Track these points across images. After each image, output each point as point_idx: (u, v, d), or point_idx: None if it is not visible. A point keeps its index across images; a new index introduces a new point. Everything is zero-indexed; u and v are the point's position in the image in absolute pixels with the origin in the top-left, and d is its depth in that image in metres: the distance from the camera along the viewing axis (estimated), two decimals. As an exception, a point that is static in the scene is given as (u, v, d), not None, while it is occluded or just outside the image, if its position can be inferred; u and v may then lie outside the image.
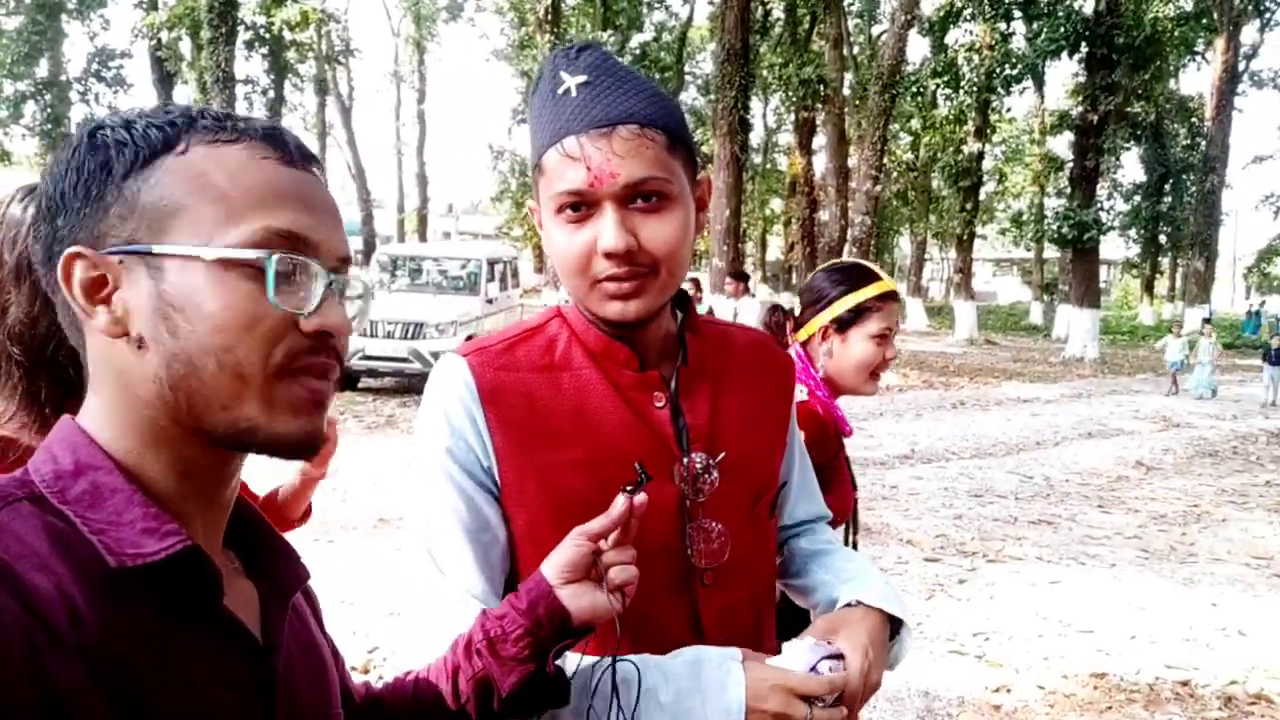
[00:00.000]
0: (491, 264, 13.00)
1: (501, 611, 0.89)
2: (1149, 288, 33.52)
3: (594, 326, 1.05)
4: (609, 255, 0.95)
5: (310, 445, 0.67)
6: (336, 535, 5.51)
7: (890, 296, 1.96)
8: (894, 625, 1.10)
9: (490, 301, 12.66)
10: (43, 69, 30.43)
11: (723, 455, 1.05)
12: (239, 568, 0.73)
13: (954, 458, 8.91)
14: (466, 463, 1.00)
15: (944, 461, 8.70)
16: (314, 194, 0.69)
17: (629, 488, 0.88)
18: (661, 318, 1.06)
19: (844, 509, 1.93)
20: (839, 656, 0.98)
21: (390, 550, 5.28)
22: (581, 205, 0.96)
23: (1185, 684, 3.92)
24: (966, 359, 18.89)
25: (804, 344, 1.99)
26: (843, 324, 1.92)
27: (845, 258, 1.96)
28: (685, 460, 1.02)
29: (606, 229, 0.95)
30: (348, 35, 35.28)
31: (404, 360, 10.87)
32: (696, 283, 11.33)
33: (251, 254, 0.63)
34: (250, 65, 28.78)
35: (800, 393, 1.84)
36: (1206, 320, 17.46)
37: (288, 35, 24.90)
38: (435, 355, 10.82)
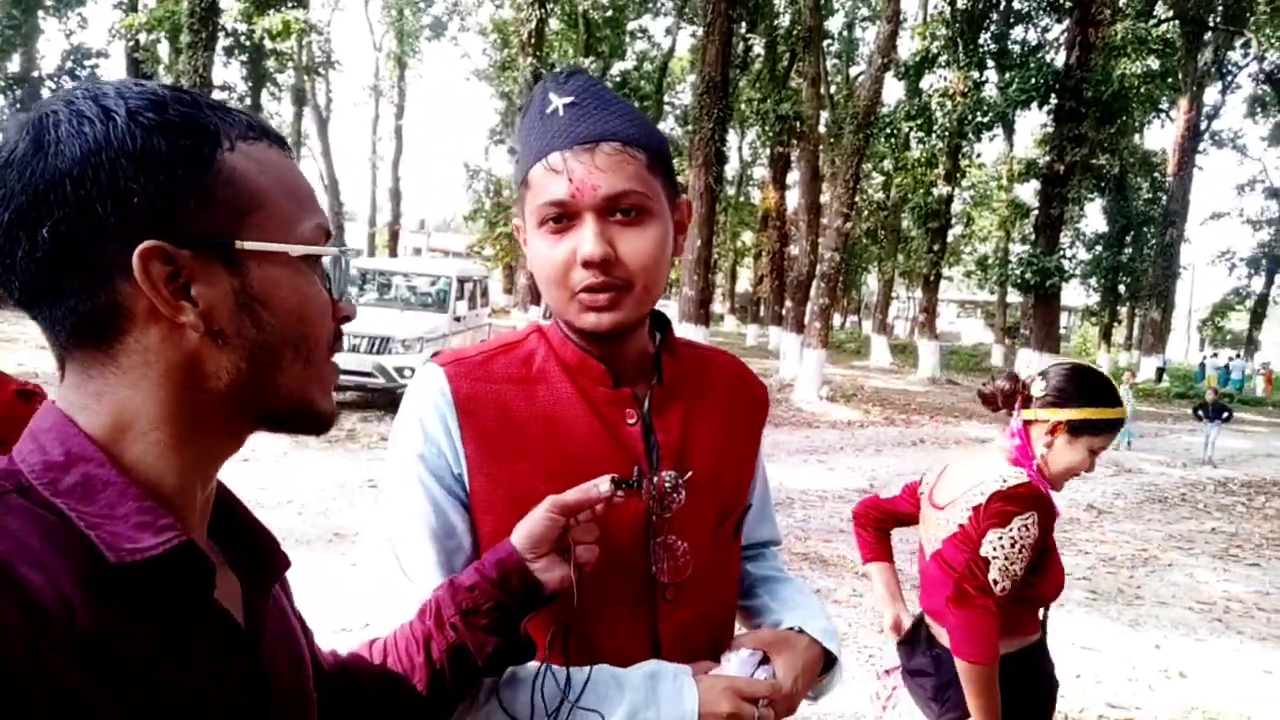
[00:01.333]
0: (461, 282, 12.98)
1: (471, 582, 0.91)
2: (1107, 336, 34.20)
3: (570, 342, 1.08)
4: (587, 264, 0.99)
5: (334, 420, 0.74)
6: (290, 549, 5.42)
7: (1121, 423, 2.02)
8: (827, 662, 1.14)
9: (458, 319, 12.62)
10: (15, 64, 30.02)
11: (690, 474, 1.07)
12: (221, 555, 0.73)
13: (912, 494, 8.98)
14: (438, 469, 1.03)
15: (902, 497, 8.77)
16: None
17: (617, 478, 0.93)
18: (638, 337, 1.10)
19: (1059, 588, 1.99)
20: (767, 662, 1.05)
21: (345, 566, 5.23)
22: (563, 216, 1.00)
23: (1126, 724, 3.99)
24: (928, 397, 19.12)
25: (1025, 423, 2.01)
26: (1076, 429, 1.96)
27: (1096, 367, 1.99)
28: (654, 477, 1.05)
29: (586, 238, 0.99)
30: (329, 47, 35.26)
31: (368, 375, 10.79)
32: None
33: (333, 251, 0.71)
34: (229, 72, 28.67)
35: (1020, 474, 1.89)
36: (1128, 369, 17.34)
37: (268, 44, 24.81)
38: (400, 371, 10.74)
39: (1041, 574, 1.91)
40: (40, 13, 29.66)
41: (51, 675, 0.53)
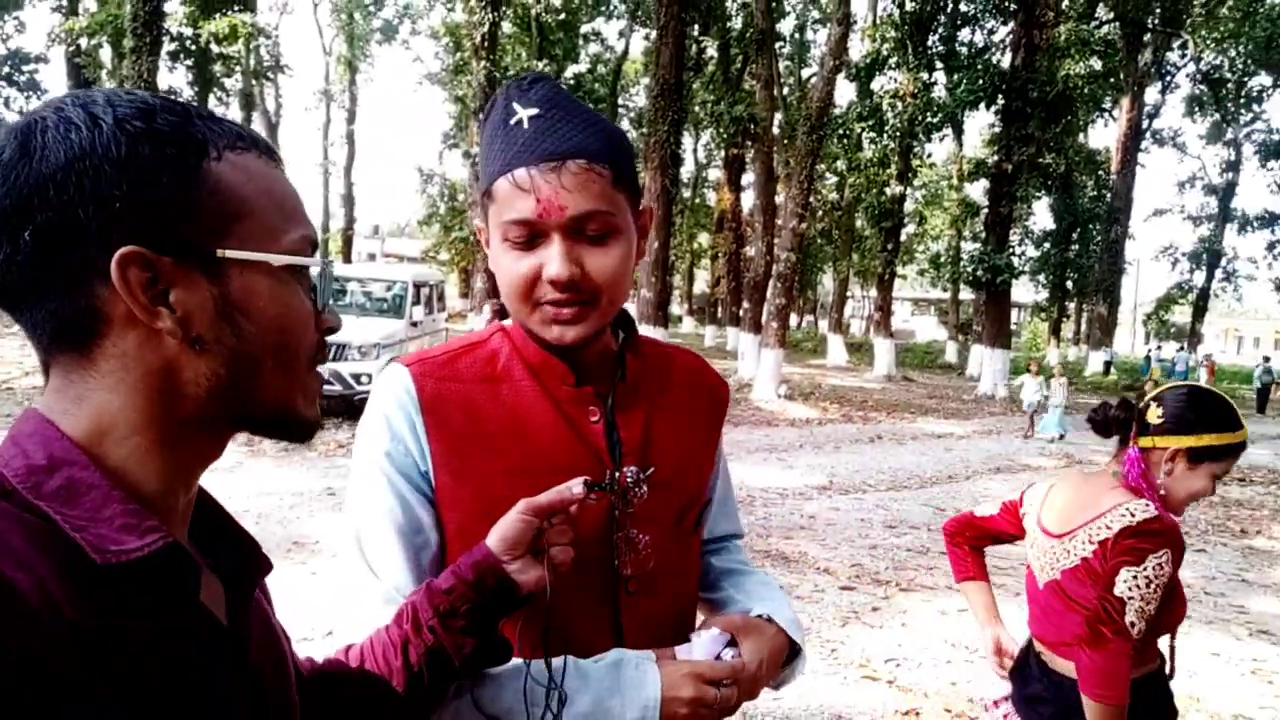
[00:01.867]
0: (417, 287, 12.89)
1: (448, 585, 0.91)
2: (1056, 331, 34.93)
3: (534, 341, 1.09)
4: (554, 283, 1.00)
5: (318, 428, 0.74)
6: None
7: (1244, 446, 1.94)
8: (791, 652, 1.16)
9: (415, 324, 12.52)
10: (-50, 69, 29.16)
11: (653, 470, 1.09)
12: (203, 560, 0.73)
13: (870, 489, 9.12)
14: (404, 467, 1.04)
15: (861, 493, 8.90)
16: (298, 194, 0.75)
17: (590, 480, 0.94)
18: (601, 337, 1.11)
19: (1183, 616, 1.96)
20: (734, 645, 1.07)
21: (305, 575, 5.16)
22: (529, 234, 1.00)
23: (1082, 708, 4.09)
24: (885, 394, 19.38)
25: (1143, 450, 1.95)
26: (1196, 456, 1.90)
27: (1216, 391, 1.89)
28: (617, 473, 1.06)
29: (553, 259, 0.99)
30: (277, 51, 34.77)
31: (326, 382, 10.62)
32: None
33: (315, 262, 0.71)
34: (174, 77, 28.12)
35: (1147, 508, 1.84)
36: (1059, 364, 17.44)
37: (215, 48, 24.40)
38: (357, 377, 10.63)
39: (1167, 604, 1.87)
40: (-25, 19, 28.87)
41: (41, 674, 0.53)
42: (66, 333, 0.63)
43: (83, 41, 25.51)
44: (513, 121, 1.01)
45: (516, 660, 0.98)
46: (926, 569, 6.25)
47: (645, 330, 13.84)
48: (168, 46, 22.89)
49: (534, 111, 1.01)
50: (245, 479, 7.51)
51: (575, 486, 0.94)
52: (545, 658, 0.96)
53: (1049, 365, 17.29)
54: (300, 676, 0.87)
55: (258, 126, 35.72)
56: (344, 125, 41.68)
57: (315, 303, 0.72)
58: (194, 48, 24.80)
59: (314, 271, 0.72)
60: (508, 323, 1.14)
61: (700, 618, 1.21)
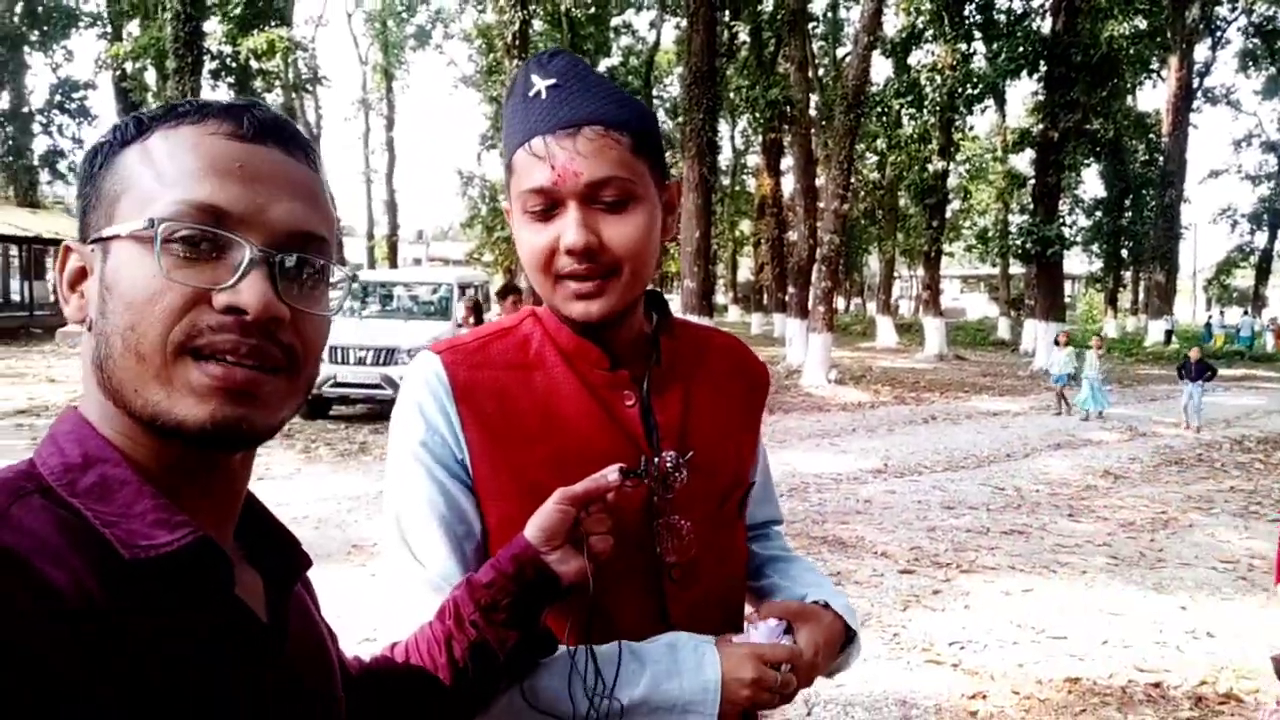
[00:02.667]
0: (462, 288, 12.99)
1: (488, 579, 0.90)
2: (1112, 301, 34.08)
3: (566, 326, 1.06)
4: (570, 252, 0.97)
5: (221, 435, 0.62)
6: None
7: None
8: (846, 639, 1.13)
9: (461, 326, 12.64)
10: (4, 101, 30.12)
11: (692, 454, 1.06)
12: (244, 555, 0.73)
13: (926, 471, 8.99)
14: (441, 455, 1.02)
15: (916, 475, 8.77)
16: (260, 167, 0.66)
17: (625, 468, 0.92)
18: (633, 318, 1.08)
19: None
20: (790, 633, 1.05)
21: (364, 577, 5.23)
22: (546, 203, 0.98)
23: (1157, 685, 3.97)
24: (937, 374, 19.08)
25: None
26: None
27: None
28: (655, 458, 1.04)
29: (569, 226, 0.97)
30: (315, 63, 35.29)
31: (376, 386, 10.80)
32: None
33: (139, 225, 0.62)
34: (217, 94, 28.66)
35: None
36: (1098, 335, 16.31)
37: (254, 64, 24.84)
38: (407, 380, 10.74)
39: None
40: (26, 48, 29.74)
41: (73, 666, 0.53)
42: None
43: (128, 66, 26.15)
44: (531, 93, 1.00)
45: (566, 649, 0.96)
46: (988, 549, 6.13)
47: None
48: (209, 65, 23.33)
49: (551, 82, 0.99)
50: (303, 486, 7.64)
51: (610, 474, 0.92)
52: (588, 648, 0.94)
53: (1079, 335, 16.47)
54: (347, 674, 0.86)
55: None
56: (383, 133, 42.20)
57: (213, 276, 0.62)
58: (234, 65, 25.25)
59: (237, 241, 0.63)
60: (540, 307, 1.12)
61: (748, 609, 1.18)
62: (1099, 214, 30.86)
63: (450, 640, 0.90)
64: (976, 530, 6.66)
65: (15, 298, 25.44)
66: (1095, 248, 31.32)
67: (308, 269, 0.67)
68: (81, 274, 0.66)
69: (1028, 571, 5.66)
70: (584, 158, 0.96)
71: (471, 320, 9.55)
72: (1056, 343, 14.45)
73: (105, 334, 0.62)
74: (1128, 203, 29.88)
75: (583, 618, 0.94)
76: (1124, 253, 30.85)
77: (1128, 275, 37.26)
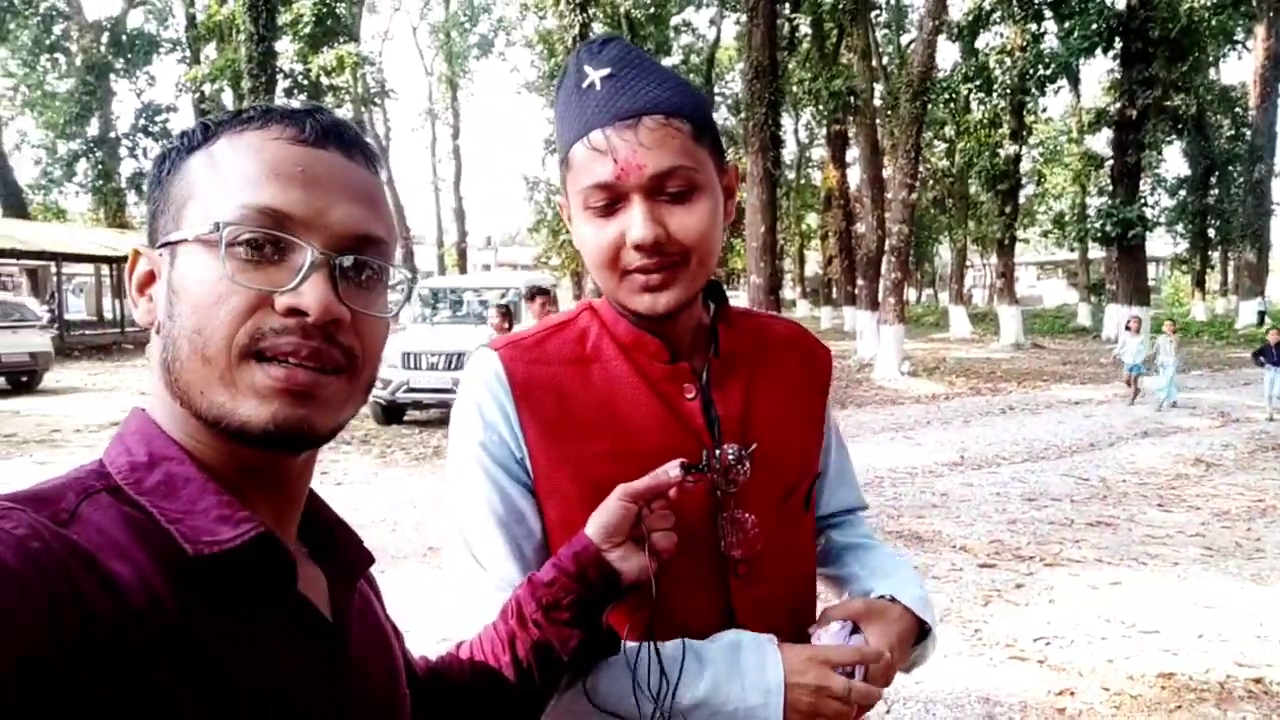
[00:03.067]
0: (532, 292, 13.12)
1: (550, 577, 0.90)
2: (1200, 283, 32.71)
3: (624, 319, 1.05)
4: (638, 247, 0.95)
5: (283, 436, 0.63)
6: (387, 565, 5.57)
7: None
8: (921, 631, 1.09)
9: (496, 333, 12.80)
10: (93, 128, 31.52)
11: (755, 446, 1.03)
12: (307, 553, 0.74)
13: (1005, 463, 8.75)
14: (500, 455, 1.01)
15: (995, 467, 8.54)
16: (320, 170, 0.67)
17: (686, 463, 0.91)
18: (692, 309, 1.06)
19: None
20: (858, 633, 1.01)
21: (441, 578, 5.32)
22: (609, 198, 0.96)
23: (1259, 681, 3.79)
24: (1014, 364, 18.57)
25: None
26: None
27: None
28: (717, 451, 1.02)
29: (635, 221, 0.94)
30: (382, 77, 36.08)
31: (448, 391, 10.97)
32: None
33: (204, 229, 0.63)
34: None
35: None
36: (1170, 319, 15.15)
37: (325, 80, 25.51)
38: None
39: None
40: (112, 76, 31.06)
41: (135, 660, 0.54)
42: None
43: (206, 88, 27.15)
44: (585, 84, 0.97)
45: (629, 646, 0.95)
46: (1073, 542, 5.94)
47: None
48: (282, 84, 24.07)
49: (606, 71, 0.96)
50: (379, 490, 7.80)
51: (672, 469, 0.90)
52: (652, 647, 0.92)
53: (1161, 319, 15.08)
54: (413, 674, 0.87)
55: (369, 151, 37.10)
56: (450, 141, 42.92)
57: (275, 278, 0.64)
58: (306, 82, 25.98)
59: (300, 244, 0.64)
60: (596, 299, 1.11)
61: (819, 606, 1.15)
62: (1183, 193, 29.67)
63: (514, 639, 0.90)
64: (1060, 522, 6.46)
65: (108, 315, 26.64)
66: (1180, 228, 30.11)
67: (367, 271, 0.68)
68: (150, 278, 0.68)
69: (1115, 564, 5.46)
70: (646, 149, 0.93)
71: (506, 326, 9.57)
72: (1128, 328, 13.53)
73: (173, 337, 0.64)
74: (1213, 180, 28.66)
75: (646, 615, 0.93)
76: (1211, 232, 29.57)
77: (1215, 256, 35.73)
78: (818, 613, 1.13)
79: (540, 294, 9.24)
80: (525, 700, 0.91)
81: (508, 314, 10.09)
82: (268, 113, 0.68)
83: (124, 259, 24.61)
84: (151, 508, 0.61)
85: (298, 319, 0.63)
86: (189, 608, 0.58)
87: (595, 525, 0.91)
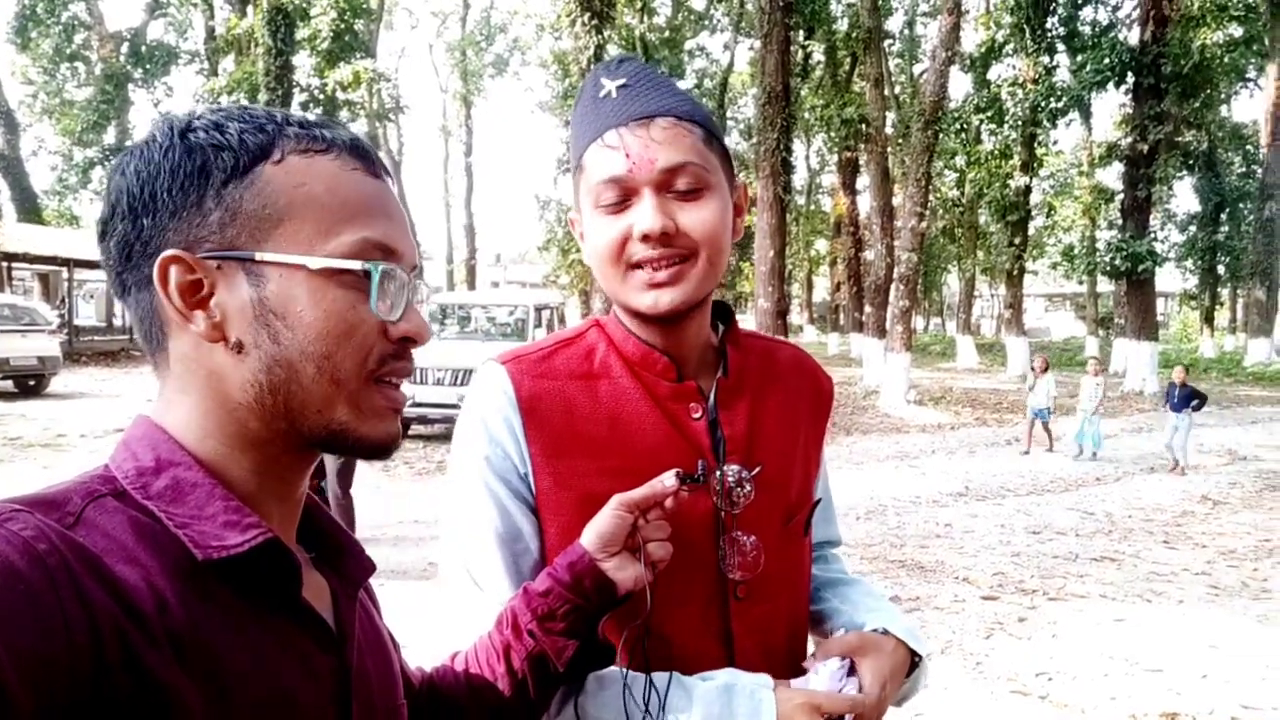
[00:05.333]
0: (538, 310, 13.18)
1: (545, 587, 0.89)
2: (1209, 319, 32.59)
3: (632, 336, 1.05)
4: (645, 238, 0.96)
5: (391, 447, 0.70)
6: (388, 579, 5.55)
7: None
8: (911, 663, 1.09)
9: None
10: (110, 136, 31.78)
11: (759, 469, 1.03)
12: (310, 561, 0.75)
13: (1010, 494, 8.70)
14: (503, 470, 1.01)
15: (999, 498, 8.50)
16: (394, 204, 0.72)
17: (681, 472, 0.91)
18: (700, 327, 1.06)
19: None
20: (855, 672, 1.00)
21: (437, 592, 5.29)
22: (620, 194, 0.97)
23: (1263, 724, 3.75)
24: (1020, 395, 18.47)
25: None
26: None
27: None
28: (720, 472, 1.01)
29: (644, 212, 0.96)
30: (397, 93, 36.36)
31: (454, 406, 10.96)
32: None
33: (357, 264, 0.66)
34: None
35: None
36: (1094, 358, 13.23)
37: (341, 95, 25.71)
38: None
39: None
40: (130, 85, 31.37)
41: (141, 665, 0.54)
42: (147, 334, 0.68)
43: (223, 100, 27.36)
44: (601, 95, 1.00)
45: (620, 672, 0.94)
46: (1077, 576, 5.89)
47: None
48: (298, 98, 24.26)
49: (621, 82, 1.00)
50: (382, 503, 7.78)
51: (667, 479, 0.91)
52: (645, 664, 0.92)
53: (1089, 360, 12.52)
54: (410, 684, 0.87)
55: (383, 166, 37.34)
56: (462, 158, 43.16)
57: (392, 309, 0.68)
58: (322, 96, 26.19)
59: (405, 277, 0.69)
60: (604, 316, 1.11)
61: (810, 643, 1.14)
62: (1193, 229, 29.60)
63: (509, 650, 0.89)
64: (1064, 556, 6.41)
65: (117, 321, 26.75)
66: (1189, 264, 30.01)
67: (419, 295, 0.74)
68: (195, 287, 0.64)
69: (1120, 600, 5.41)
70: (658, 144, 0.96)
71: None
72: (1034, 369, 11.82)
73: (283, 360, 0.65)
74: (1224, 217, 28.58)
75: (639, 630, 0.92)
76: (1220, 269, 29.47)
77: (1225, 292, 35.64)
78: (809, 640, 1.12)
79: None
80: (520, 711, 0.90)
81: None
82: (325, 139, 0.69)
83: (135, 266, 24.74)
84: (159, 512, 0.61)
85: (407, 345, 0.70)
86: (195, 612, 0.59)
87: (591, 535, 0.90)
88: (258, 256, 0.64)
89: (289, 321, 0.65)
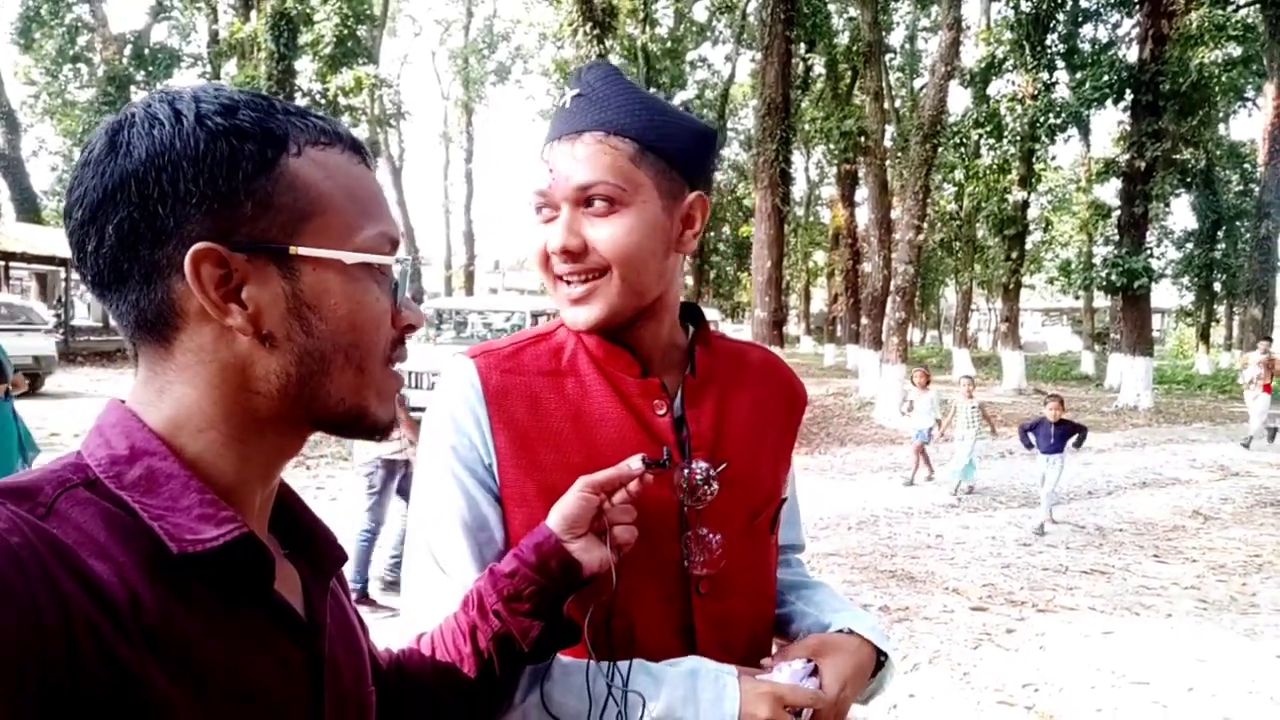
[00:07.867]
0: (535, 316, 13.18)
1: (511, 568, 0.91)
2: (1205, 336, 32.66)
3: (596, 334, 1.07)
4: (555, 253, 1.01)
5: (392, 427, 0.74)
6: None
7: None
8: (878, 663, 1.10)
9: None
10: (111, 136, 31.73)
11: (724, 466, 1.05)
12: (281, 549, 0.75)
13: (1002, 506, 8.72)
14: (469, 461, 1.02)
15: (991, 510, 8.52)
16: (383, 198, 0.74)
17: (646, 458, 0.93)
18: (662, 326, 1.08)
19: None
20: (818, 674, 1.01)
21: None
22: (545, 206, 1.02)
23: (1247, 738, 3.76)
24: (1015, 408, 18.50)
25: None
26: None
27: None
28: (686, 469, 1.03)
29: (555, 228, 1.00)
30: (399, 99, 36.45)
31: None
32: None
33: (391, 260, 0.70)
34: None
35: None
36: (967, 376, 11.23)
37: (342, 100, 25.77)
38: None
39: None
40: (132, 87, 31.40)
41: (114, 659, 0.54)
42: (147, 324, 0.65)
43: (224, 102, 27.35)
44: (561, 103, 1.04)
45: (583, 660, 0.96)
46: (1066, 589, 5.91)
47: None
48: (300, 102, 24.29)
49: (576, 92, 1.02)
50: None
51: (634, 462, 0.93)
52: (609, 647, 0.93)
53: (962, 379, 10.57)
54: (378, 667, 0.87)
55: (383, 172, 37.52)
56: (462, 165, 43.24)
57: (395, 301, 0.72)
58: (323, 101, 26.24)
59: (397, 270, 0.72)
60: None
61: (774, 646, 1.15)
62: (1189, 246, 29.70)
63: (475, 630, 0.90)
64: (1055, 569, 6.43)
65: (113, 322, 26.68)
66: (1185, 281, 30.10)
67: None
68: (223, 279, 0.63)
69: (1108, 613, 5.43)
70: (578, 162, 0.99)
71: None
72: (914, 383, 10.19)
73: (316, 351, 0.66)
74: (1220, 234, 28.69)
75: (604, 612, 0.94)
76: (1217, 286, 29.56)
77: (1221, 310, 35.73)
78: (773, 643, 1.13)
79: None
80: (486, 691, 0.91)
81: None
82: (329, 132, 0.70)
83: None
84: (133, 503, 0.60)
85: (408, 332, 0.74)
86: (169, 606, 0.58)
87: (557, 516, 0.92)
88: (293, 250, 0.65)
89: (322, 314, 0.66)
